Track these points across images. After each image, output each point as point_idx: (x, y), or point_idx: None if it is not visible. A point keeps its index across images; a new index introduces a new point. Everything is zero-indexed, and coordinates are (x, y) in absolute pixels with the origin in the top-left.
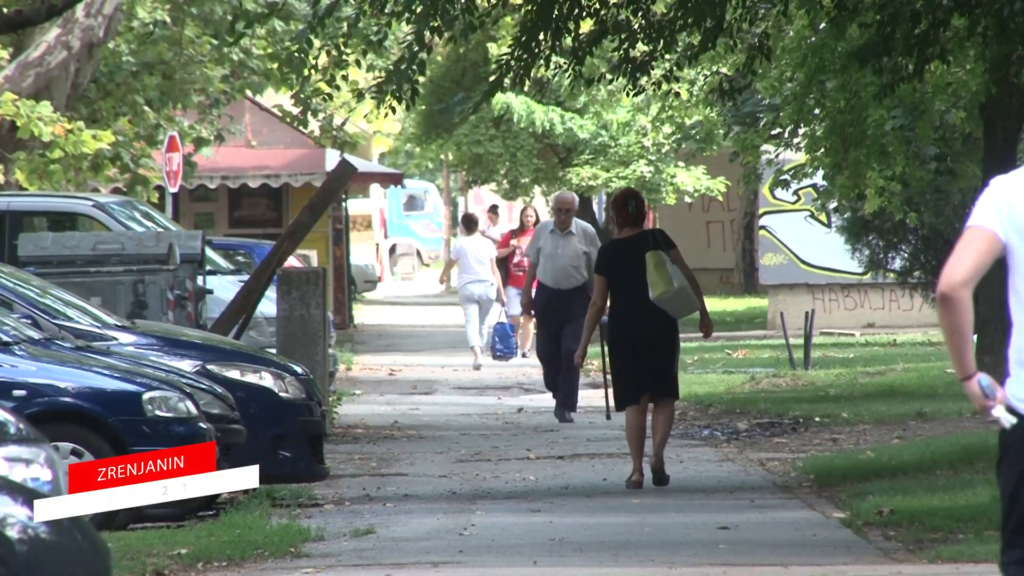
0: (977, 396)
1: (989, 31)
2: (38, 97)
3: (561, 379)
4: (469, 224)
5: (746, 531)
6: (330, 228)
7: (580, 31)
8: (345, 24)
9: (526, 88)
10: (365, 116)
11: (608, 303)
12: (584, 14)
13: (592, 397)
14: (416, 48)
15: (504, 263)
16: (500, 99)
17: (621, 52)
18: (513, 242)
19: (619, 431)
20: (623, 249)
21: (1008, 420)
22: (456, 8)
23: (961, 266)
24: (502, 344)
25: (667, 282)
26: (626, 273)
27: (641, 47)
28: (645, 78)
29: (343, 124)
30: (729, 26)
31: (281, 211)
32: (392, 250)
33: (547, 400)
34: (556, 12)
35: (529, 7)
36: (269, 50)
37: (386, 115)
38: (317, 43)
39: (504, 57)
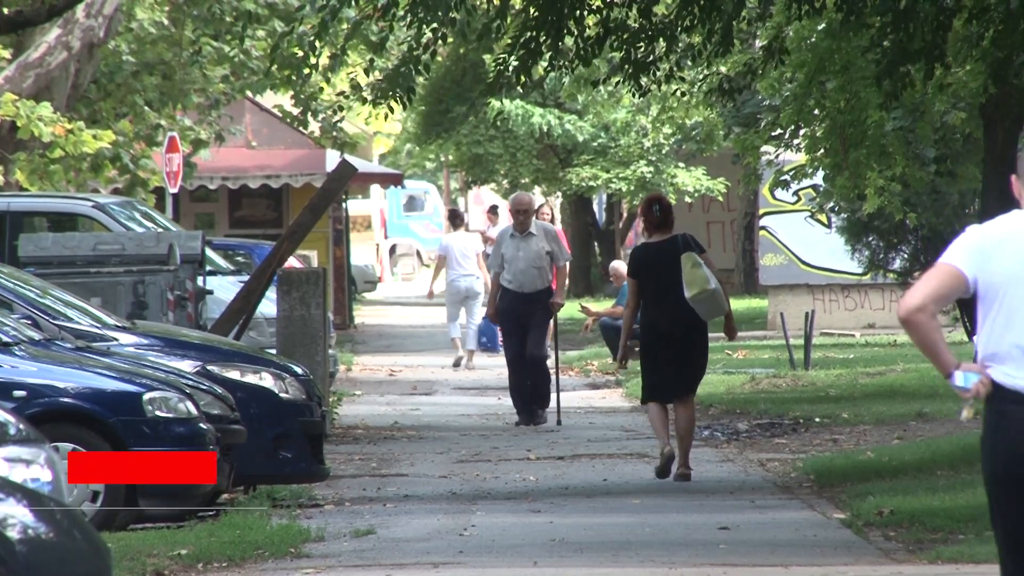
0: (957, 390)
1: (995, 34)
2: (38, 98)
3: (531, 384)
4: (455, 220)
5: (746, 531)
6: (330, 228)
7: (583, 32)
8: (344, 24)
9: (523, 91)
10: (366, 120)
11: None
12: (587, 13)
13: (592, 397)
14: (419, 51)
15: None
16: (495, 104)
17: (623, 53)
18: None
19: (619, 431)
20: (654, 253)
21: (966, 417)
22: (458, 12)
23: (918, 293)
24: (487, 338)
25: (703, 282)
26: (657, 276)
27: (643, 48)
28: (647, 79)
29: (340, 120)
30: (735, 27)
31: (281, 211)
32: (392, 250)
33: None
34: (557, 14)
35: (531, 8)
36: (269, 50)
37: (386, 116)
38: (325, 52)
39: (502, 57)
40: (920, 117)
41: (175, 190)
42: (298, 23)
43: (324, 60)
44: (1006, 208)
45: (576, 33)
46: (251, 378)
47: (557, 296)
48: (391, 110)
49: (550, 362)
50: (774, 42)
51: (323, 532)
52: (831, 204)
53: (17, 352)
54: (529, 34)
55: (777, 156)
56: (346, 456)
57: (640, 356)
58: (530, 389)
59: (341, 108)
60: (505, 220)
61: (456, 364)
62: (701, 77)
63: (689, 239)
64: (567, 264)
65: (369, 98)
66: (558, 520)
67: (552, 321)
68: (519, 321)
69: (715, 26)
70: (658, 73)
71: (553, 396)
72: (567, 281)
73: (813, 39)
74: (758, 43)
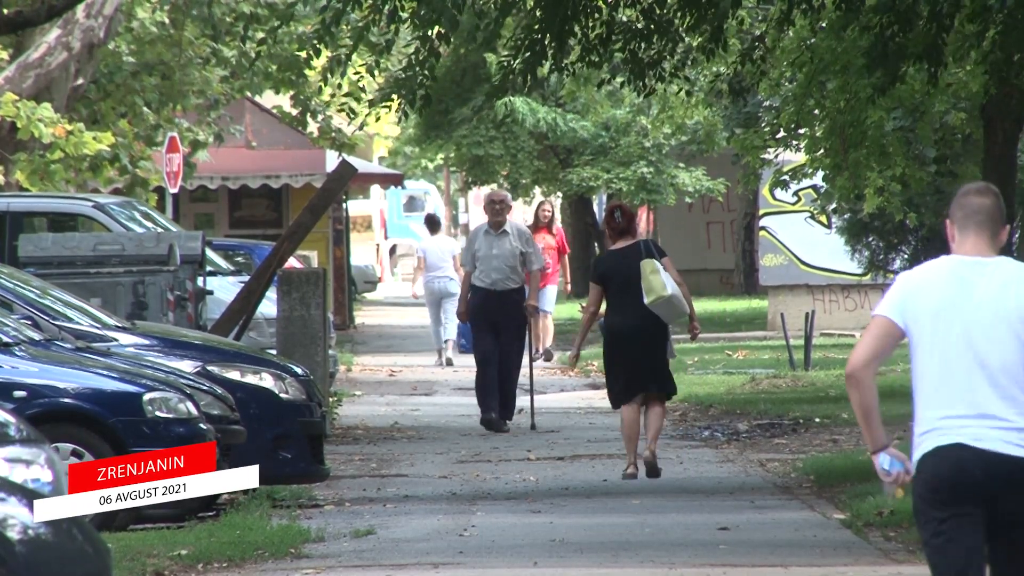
0: (879, 471)
1: (996, 35)
2: (38, 98)
3: (500, 388)
4: (432, 224)
5: (746, 532)
6: (330, 229)
7: (587, 33)
8: (346, 27)
9: (527, 90)
10: (364, 120)
11: (604, 307)
12: (591, 14)
13: (593, 397)
14: (424, 54)
15: None
16: (502, 103)
17: (625, 54)
18: None
19: (619, 432)
20: (617, 259)
21: (893, 497)
22: (461, 12)
23: (863, 351)
24: (465, 340)
25: (660, 289)
26: (621, 281)
27: (647, 48)
28: (650, 80)
29: (360, 128)
30: (730, 27)
31: (281, 212)
32: (392, 251)
33: (547, 401)
34: (562, 15)
35: (536, 9)
36: (270, 51)
37: (399, 120)
38: (326, 53)
39: (506, 59)
40: (920, 117)
41: (175, 190)
42: (292, 23)
43: (324, 61)
44: (1006, 208)
45: (580, 35)
46: (251, 378)
47: (530, 299)
48: (405, 115)
49: (527, 368)
50: (758, 41)
51: (323, 532)
52: (833, 206)
53: (17, 352)
54: (534, 36)
55: (776, 156)
56: (346, 456)
57: (604, 360)
58: (498, 395)
59: (354, 113)
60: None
61: (448, 363)
62: (704, 77)
63: (651, 244)
64: (539, 270)
65: (376, 103)
66: (558, 520)
67: (527, 325)
68: (490, 320)
69: (713, 24)
70: (664, 74)
71: (526, 399)
72: (567, 282)
73: (813, 39)
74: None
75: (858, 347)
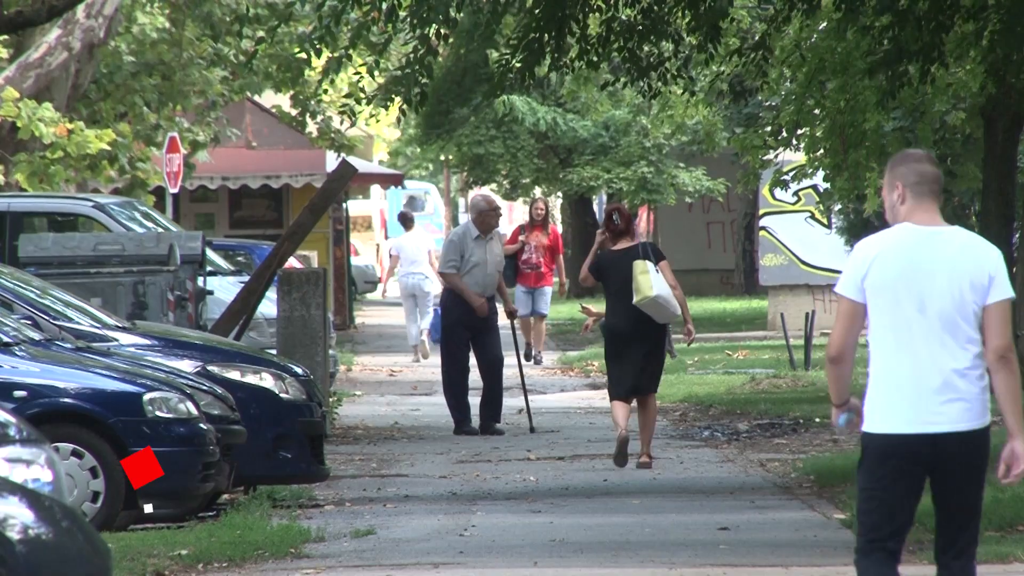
0: (838, 423)
1: (996, 34)
2: (39, 98)
3: (487, 391)
4: (405, 221)
5: (746, 532)
6: (331, 229)
7: (586, 32)
8: (346, 27)
9: (527, 89)
10: (366, 121)
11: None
12: (589, 13)
13: (593, 397)
14: (421, 51)
15: (512, 260)
16: (502, 100)
17: (625, 53)
18: (521, 238)
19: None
20: (617, 259)
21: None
22: (459, 11)
23: (842, 337)
24: (436, 332)
25: (648, 288)
26: (619, 282)
27: (647, 48)
28: (651, 81)
29: (351, 126)
30: (729, 27)
31: (281, 212)
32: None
33: (547, 401)
34: (561, 14)
35: (535, 7)
36: (270, 51)
37: (398, 120)
38: (326, 53)
39: (505, 58)
40: (920, 117)
41: (175, 190)
42: (292, 23)
43: (324, 61)
44: (1006, 208)
45: (578, 34)
46: (251, 378)
47: (508, 303)
48: (403, 113)
49: (515, 370)
50: (763, 39)
51: (323, 532)
52: (838, 206)
53: (17, 352)
54: (533, 35)
55: (776, 156)
56: (346, 456)
57: (605, 356)
58: (487, 398)
59: (353, 113)
60: (505, 220)
61: (424, 357)
62: (704, 77)
63: (649, 247)
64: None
65: (376, 101)
66: (558, 520)
67: (511, 327)
68: (470, 328)
69: (709, 22)
70: (666, 74)
71: (516, 401)
72: (561, 282)
73: (813, 39)
74: (756, 38)
75: (836, 333)
